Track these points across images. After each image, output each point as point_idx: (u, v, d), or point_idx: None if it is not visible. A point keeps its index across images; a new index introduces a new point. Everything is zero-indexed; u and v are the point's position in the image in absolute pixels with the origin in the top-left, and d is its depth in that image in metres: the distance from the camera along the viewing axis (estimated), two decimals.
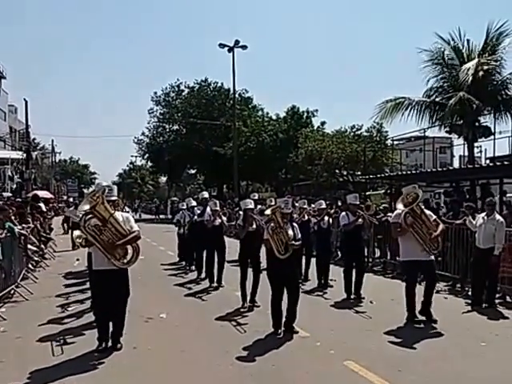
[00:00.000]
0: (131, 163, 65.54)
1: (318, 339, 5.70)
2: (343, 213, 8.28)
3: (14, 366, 4.84)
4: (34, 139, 46.98)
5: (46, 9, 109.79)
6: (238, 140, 30.34)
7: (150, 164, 45.67)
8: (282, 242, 5.86)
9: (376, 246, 11.62)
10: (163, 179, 60.77)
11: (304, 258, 9.72)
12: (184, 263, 11.58)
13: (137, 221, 5.79)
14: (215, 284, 8.87)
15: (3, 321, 6.47)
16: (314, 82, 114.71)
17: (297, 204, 10.14)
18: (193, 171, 44.61)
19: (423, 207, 6.65)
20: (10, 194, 19.76)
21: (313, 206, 9.86)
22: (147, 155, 41.18)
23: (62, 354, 5.15)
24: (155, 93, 39.36)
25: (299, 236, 6.09)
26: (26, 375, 4.52)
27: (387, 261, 10.91)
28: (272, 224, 5.91)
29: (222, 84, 38.85)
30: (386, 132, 23.80)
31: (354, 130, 25.26)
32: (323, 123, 33.22)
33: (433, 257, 6.60)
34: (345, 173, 23.69)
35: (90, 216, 5.05)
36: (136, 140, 40.33)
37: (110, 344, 5.29)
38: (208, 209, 9.33)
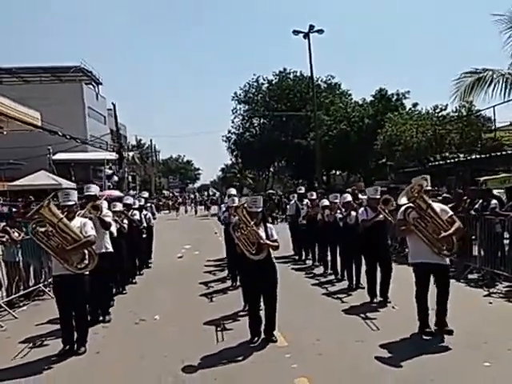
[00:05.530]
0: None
1: (291, 351, 5.09)
2: (362, 208, 7.40)
3: None
4: (141, 140, 54.66)
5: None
6: (320, 129, 29.31)
7: (234, 159, 46.34)
8: (252, 243, 5.31)
9: None
10: None
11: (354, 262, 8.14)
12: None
13: None
14: (237, 283, 8.52)
15: (14, 319, 6.89)
16: (402, 60, 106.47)
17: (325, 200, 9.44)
18: (283, 163, 44.21)
19: (430, 201, 5.53)
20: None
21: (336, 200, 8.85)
22: (235, 152, 41.74)
23: (25, 356, 5.26)
24: (235, 93, 39.49)
25: (275, 237, 5.49)
26: None
27: None
28: (236, 223, 5.41)
29: (301, 72, 37.78)
30: (478, 111, 20.54)
31: (436, 110, 22.44)
32: (415, 105, 30.29)
33: (448, 260, 5.58)
34: (431, 159, 21.17)
35: (40, 221, 5.11)
36: (224, 138, 41.11)
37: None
38: None
